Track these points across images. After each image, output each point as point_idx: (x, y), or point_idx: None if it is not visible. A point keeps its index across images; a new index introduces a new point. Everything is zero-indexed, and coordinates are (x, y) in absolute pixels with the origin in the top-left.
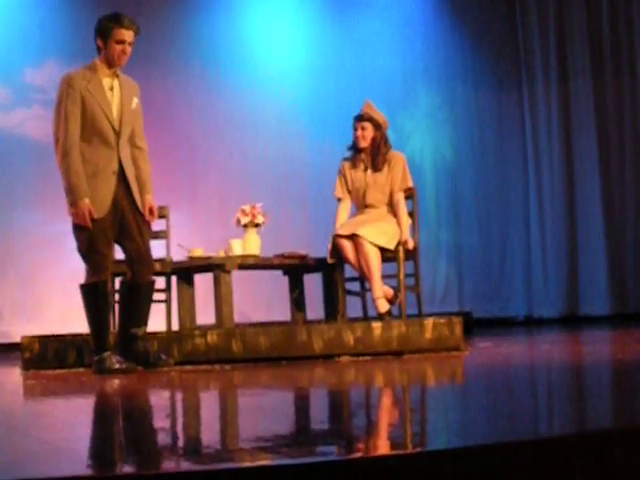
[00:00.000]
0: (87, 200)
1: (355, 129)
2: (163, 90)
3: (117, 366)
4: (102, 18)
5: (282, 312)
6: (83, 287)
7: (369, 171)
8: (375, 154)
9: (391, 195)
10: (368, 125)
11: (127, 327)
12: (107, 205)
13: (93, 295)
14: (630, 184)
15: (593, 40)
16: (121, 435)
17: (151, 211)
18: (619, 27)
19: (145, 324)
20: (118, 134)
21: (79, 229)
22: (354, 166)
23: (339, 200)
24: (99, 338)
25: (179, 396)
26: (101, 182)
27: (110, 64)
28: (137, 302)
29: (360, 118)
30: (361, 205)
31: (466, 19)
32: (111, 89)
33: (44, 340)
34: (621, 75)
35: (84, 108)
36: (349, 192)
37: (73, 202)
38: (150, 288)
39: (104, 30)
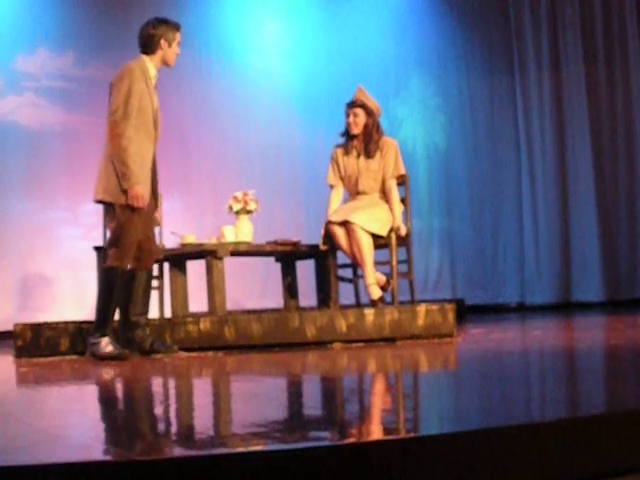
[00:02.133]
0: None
1: (347, 115)
2: None
3: (110, 349)
4: (161, 22)
5: (275, 299)
6: (104, 269)
7: (361, 158)
8: (367, 141)
9: (383, 182)
10: (360, 112)
11: (130, 315)
12: (147, 198)
13: (112, 278)
14: (622, 170)
15: (585, 27)
16: (114, 421)
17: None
18: (611, 14)
19: (147, 312)
20: (156, 131)
21: (126, 214)
22: (346, 153)
23: (331, 187)
24: (103, 321)
25: (172, 383)
26: (145, 175)
27: (168, 63)
28: (139, 290)
29: (352, 104)
30: (353, 192)
31: (459, 6)
32: (154, 87)
33: (37, 328)
34: (613, 62)
35: (140, 102)
36: (341, 179)
37: (131, 186)
38: (151, 276)
39: (170, 34)
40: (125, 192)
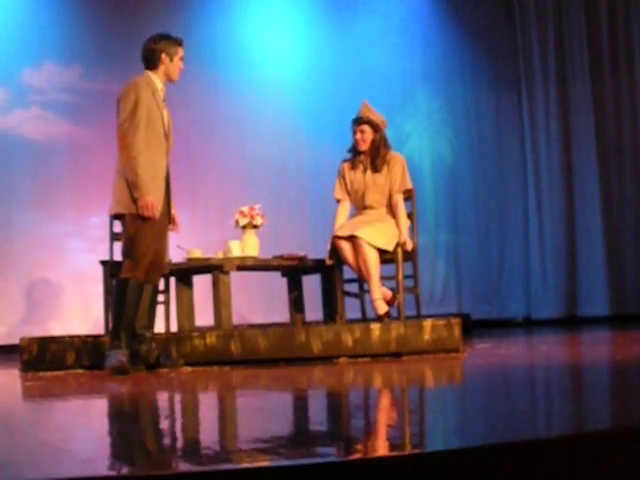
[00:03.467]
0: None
1: (354, 132)
2: None
3: (113, 362)
4: (162, 37)
5: (281, 313)
6: (118, 280)
7: (368, 172)
8: (374, 155)
9: (390, 196)
10: (367, 128)
11: (135, 328)
12: (160, 209)
13: (124, 290)
14: (629, 184)
15: (591, 41)
16: (120, 436)
17: (175, 221)
18: (617, 28)
19: (152, 326)
20: (168, 143)
21: (137, 224)
22: (353, 167)
23: (338, 201)
24: (115, 334)
25: (178, 397)
26: (158, 186)
27: (170, 78)
28: (145, 303)
29: (359, 121)
30: (360, 206)
31: (464, 20)
32: (163, 100)
33: (43, 341)
34: (619, 76)
35: (149, 114)
36: (348, 193)
37: (142, 196)
38: (157, 290)
39: (171, 49)
40: (136, 202)
